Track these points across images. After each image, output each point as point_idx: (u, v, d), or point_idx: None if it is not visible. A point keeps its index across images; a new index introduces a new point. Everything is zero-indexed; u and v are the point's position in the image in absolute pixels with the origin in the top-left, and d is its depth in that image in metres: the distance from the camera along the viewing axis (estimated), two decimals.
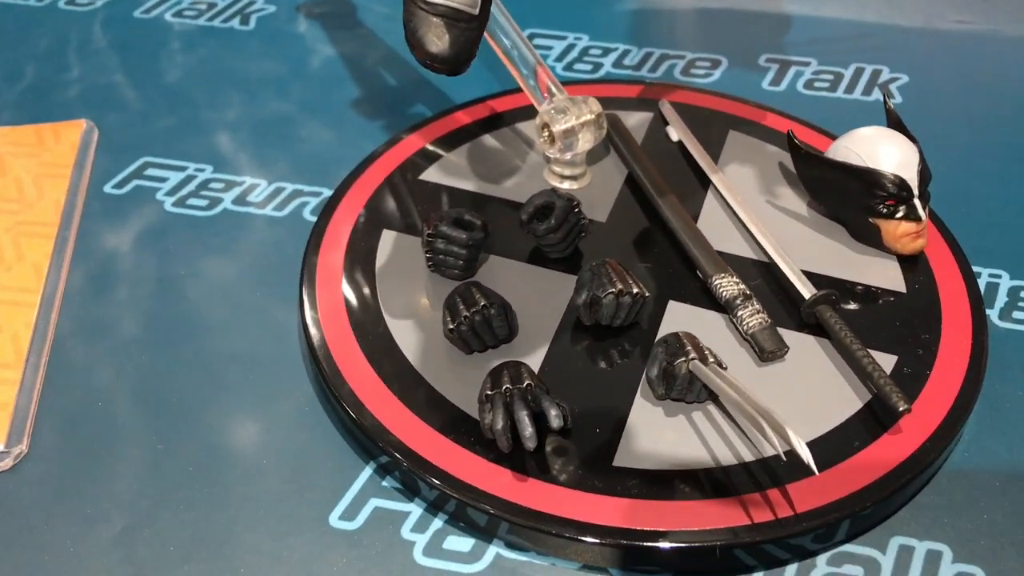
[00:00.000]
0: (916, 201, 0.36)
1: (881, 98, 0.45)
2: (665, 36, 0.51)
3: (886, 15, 0.52)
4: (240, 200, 0.41)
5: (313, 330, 0.34)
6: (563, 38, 0.51)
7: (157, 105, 0.46)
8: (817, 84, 0.47)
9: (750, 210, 0.39)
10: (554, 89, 0.40)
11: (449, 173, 0.41)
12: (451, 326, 0.33)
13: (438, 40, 0.30)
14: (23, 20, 0.51)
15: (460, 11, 0.30)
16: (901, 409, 0.31)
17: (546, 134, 0.39)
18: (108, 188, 0.41)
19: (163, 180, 0.42)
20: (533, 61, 0.41)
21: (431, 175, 0.41)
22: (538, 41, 0.50)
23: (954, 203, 0.40)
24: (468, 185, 0.40)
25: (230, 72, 0.48)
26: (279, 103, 0.46)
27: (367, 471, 0.31)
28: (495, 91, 0.45)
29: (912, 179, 0.36)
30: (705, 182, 0.41)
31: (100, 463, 0.31)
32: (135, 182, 0.42)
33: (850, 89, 0.47)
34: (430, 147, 0.42)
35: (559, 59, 0.49)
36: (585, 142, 0.39)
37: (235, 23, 0.51)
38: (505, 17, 0.41)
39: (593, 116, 0.39)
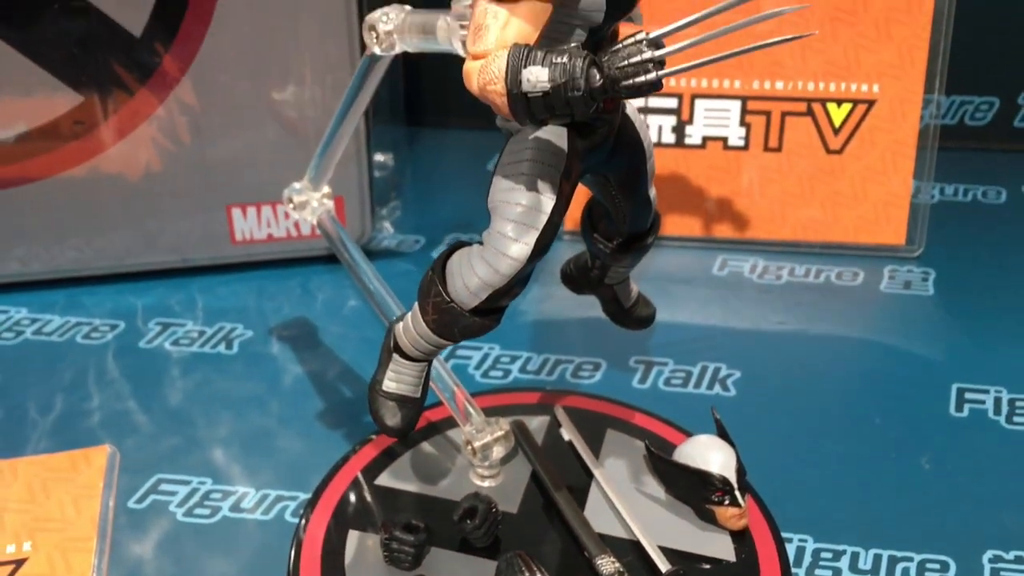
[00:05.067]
0: (736, 493, 0.50)
1: (720, 391, 0.61)
2: (558, 343, 0.66)
3: (723, 319, 0.68)
4: (235, 507, 0.53)
5: None
6: (480, 348, 0.65)
7: (164, 427, 0.58)
8: (673, 381, 0.62)
9: (622, 497, 0.53)
10: (471, 409, 0.54)
11: (399, 478, 0.54)
12: None
13: (392, 417, 0.44)
14: (50, 354, 0.64)
15: (407, 397, 0.44)
16: None
17: (469, 448, 0.53)
18: (131, 504, 0.53)
19: (174, 494, 0.54)
20: (452, 385, 0.55)
21: (385, 480, 0.54)
22: (461, 351, 0.65)
23: (771, 480, 0.54)
24: (413, 487, 0.53)
25: (221, 393, 0.61)
26: (261, 418, 0.59)
27: None
28: (428, 404, 0.59)
29: (732, 477, 0.50)
30: (589, 475, 0.54)
31: None
32: (152, 497, 0.54)
33: (698, 384, 0.62)
34: (382, 456, 0.55)
35: (477, 367, 0.64)
36: (498, 453, 0.53)
37: (221, 348, 0.65)
38: None
39: (503, 432, 0.53)
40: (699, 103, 0.73)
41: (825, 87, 0.72)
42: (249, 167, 0.69)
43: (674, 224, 0.75)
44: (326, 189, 0.62)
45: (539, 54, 0.32)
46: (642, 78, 0.31)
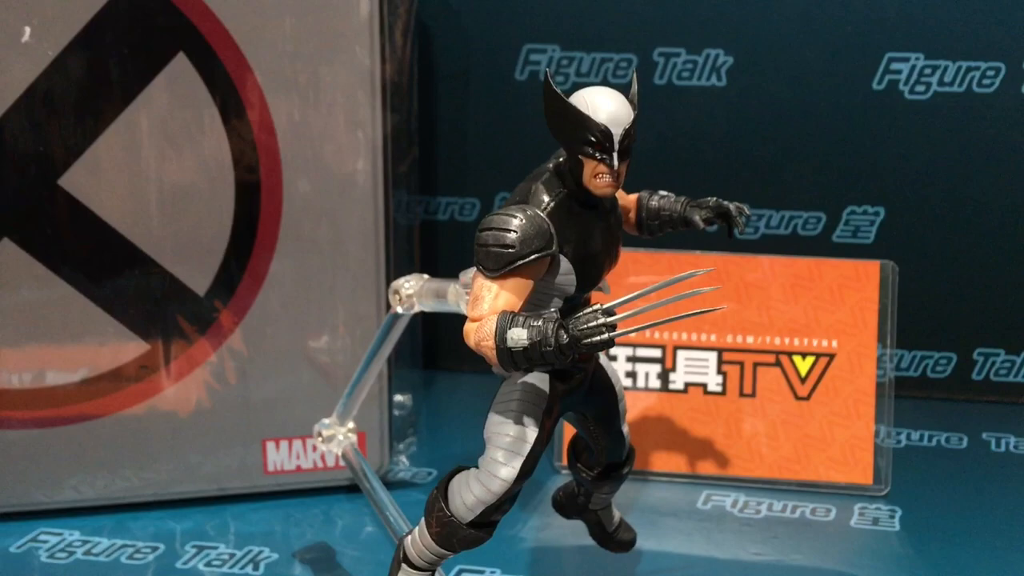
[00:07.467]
0: None
1: None
2: (554, 569, 0.72)
3: (706, 549, 0.74)
4: None
5: None
6: (482, 572, 0.72)
7: None
8: None
9: None
10: None
11: None
12: None
13: None
14: (96, 575, 0.71)
15: None
16: None
17: None
18: None
19: None
20: None
21: None
22: (465, 575, 0.71)
23: None
24: None
25: None
26: None
27: None
28: None
29: None
30: None
31: None
32: None
33: None
34: None
35: None
36: None
37: (249, 569, 0.71)
38: None
39: None
40: (680, 353, 0.83)
41: (790, 342, 0.82)
42: (285, 406, 0.78)
43: (661, 461, 0.83)
44: (351, 424, 0.71)
45: (520, 319, 0.42)
46: (598, 338, 0.41)
